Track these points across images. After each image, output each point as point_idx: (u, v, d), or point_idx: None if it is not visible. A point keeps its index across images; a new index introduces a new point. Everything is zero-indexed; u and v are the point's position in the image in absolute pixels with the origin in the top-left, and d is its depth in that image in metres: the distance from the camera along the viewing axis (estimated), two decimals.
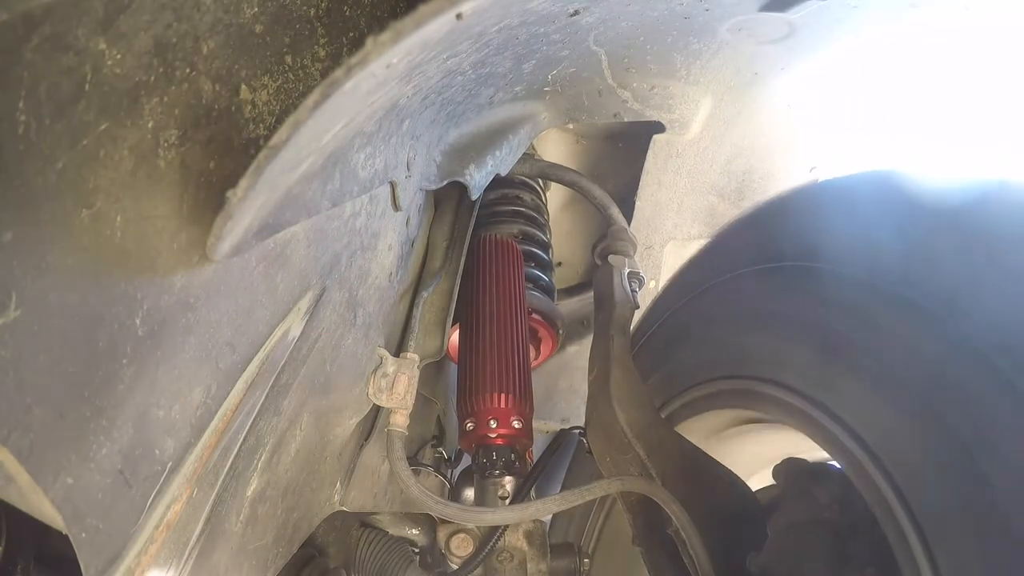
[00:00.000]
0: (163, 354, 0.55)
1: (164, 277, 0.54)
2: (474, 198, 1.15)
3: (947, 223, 0.76)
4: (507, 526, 1.13)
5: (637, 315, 1.29)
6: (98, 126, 0.46)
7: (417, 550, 1.38)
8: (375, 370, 1.04)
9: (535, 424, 1.27)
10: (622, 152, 1.68)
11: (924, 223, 0.79)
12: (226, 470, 0.71)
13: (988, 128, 1.28)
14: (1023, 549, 0.58)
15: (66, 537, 0.49)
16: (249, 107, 0.62)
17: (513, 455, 1.18)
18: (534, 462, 1.23)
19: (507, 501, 1.15)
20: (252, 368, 0.69)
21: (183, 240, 0.55)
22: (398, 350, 1.13)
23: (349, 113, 0.57)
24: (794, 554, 0.85)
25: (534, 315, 1.43)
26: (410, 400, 1.05)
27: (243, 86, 0.61)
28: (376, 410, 1.16)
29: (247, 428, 0.73)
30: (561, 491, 1.08)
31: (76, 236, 0.46)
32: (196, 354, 0.59)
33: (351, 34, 0.78)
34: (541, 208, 1.63)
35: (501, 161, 1.18)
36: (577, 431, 1.33)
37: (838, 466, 0.82)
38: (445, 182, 1.05)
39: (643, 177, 1.47)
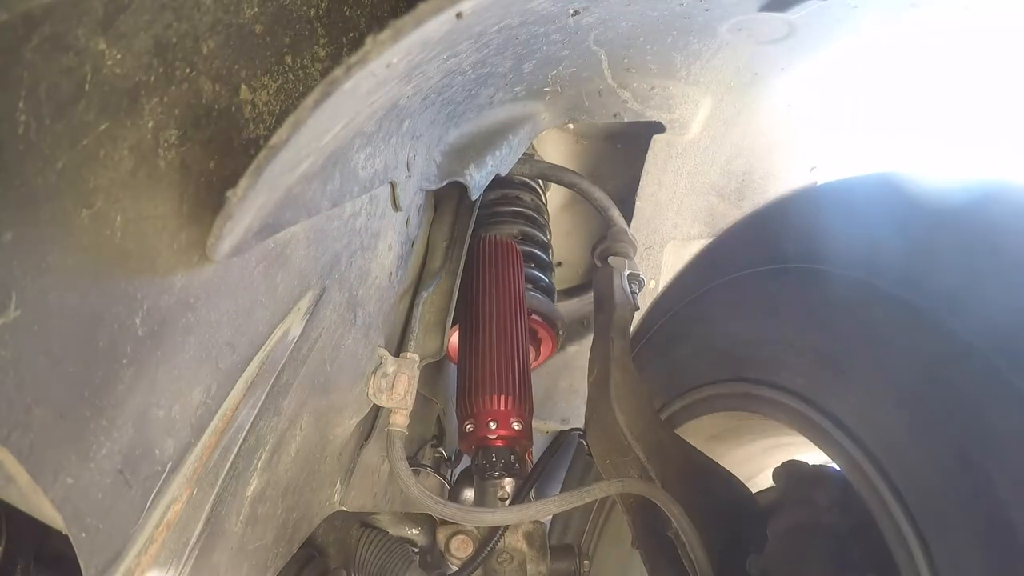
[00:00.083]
0: (163, 354, 0.55)
1: (164, 277, 0.54)
2: (474, 198, 1.15)
3: (947, 224, 0.76)
4: (507, 527, 1.13)
5: (637, 316, 1.29)
6: (98, 126, 0.46)
7: (417, 550, 1.38)
8: (375, 370, 1.04)
9: (535, 424, 1.27)
10: (622, 152, 1.68)
11: (924, 225, 0.79)
12: (226, 470, 0.71)
13: (988, 128, 1.28)
14: (1023, 552, 0.58)
15: (66, 537, 0.49)
16: (249, 107, 0.62)
17: (513, 456, 1.17)
18: (534, 463, 1.23)
19: (507, 502, 1.15)
20: (252, 368, 0.69)
21: (183, 240, 0.55)
22: (398, 350, 1.13)
23: (349, 113, 0.57)
24: (794, 557, 0.85)
25: (534, 316, 1.43)
26: (410, 400, 1.05)
27: (243, 86, 0.61)
28: (376, 410, 1.16)
29: (247, 428, 0.73)
30: (561, 492, 1.08)
31: (76, 236, 0.46)
32: (196, 354, 0.59)
33: (351, 34, 0.78)
34: (541, 208, 1.63)
35: (501, 161, 1.18)
36: (577, 433, 1.33)
37: (838, 469, 0.82)
38: (445, 182, 1.06)
39: (643, 177, 1.47)
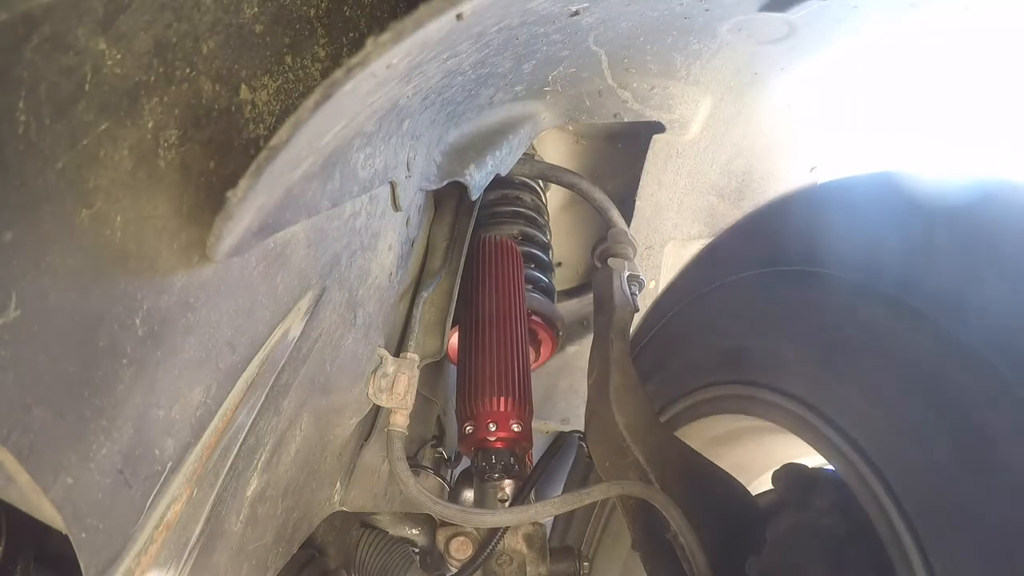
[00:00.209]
0: (163, 354, 0.55)
1: (164, 277, 0.54)
2: (474, 198, 1.15)
3: (947, 225, 0.76)
4: (506, 529, 1.13)
5: (637, 317, 1.29)
6: (98, 126, 0.46)
7: (417, 550, 1.38)
8: (375, 370, 1.04)
9: (535, 424, 1.27)
10: (622, 152, 1.68)
11: (924, 225, 0.78)
12: (226, 470, 0.71)
13: (988, 128, 1.28)
14: (1021, 554, 0.58)
15: (66, 537, 0.49)
16: (249, 107, 0.62)
17: (512, 458, 1.17)
18: (533, 465, 1.23)
19: (506, 504, 1.15)
20: (252, 368, 0.69)
21: (183, 240, 0.55)
22: (398, 350, 1.13)
23: (349, 113, 0.57)
24: (793, 559, 0.85)
25: (534, 317, 1.43)
26: (410, 400, 1.05)
27: (243, 86, 0.61)
28: (376, 410, 1.16)
29: (247, 428, 0.73)
30: (560, 494, 1.08)
31: (76, 236, 0.46)
32: (196, 354, 0.59)
33: (351, 34, 0.78)
34: (541, 209, 1.63)
35: (501, 161, 1.18)
36: (577, 434, 1.33)
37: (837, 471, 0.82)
38: (445, 182, 1.06)
39: (643, 177, 1.47)
